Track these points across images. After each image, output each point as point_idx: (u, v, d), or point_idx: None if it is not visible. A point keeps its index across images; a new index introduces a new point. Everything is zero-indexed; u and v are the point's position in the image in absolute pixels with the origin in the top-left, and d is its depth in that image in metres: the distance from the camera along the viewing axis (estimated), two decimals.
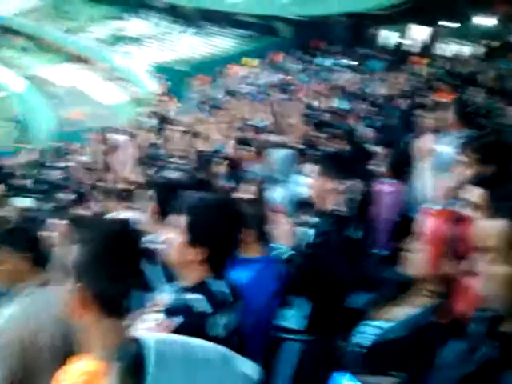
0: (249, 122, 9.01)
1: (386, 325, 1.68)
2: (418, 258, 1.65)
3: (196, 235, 1.72)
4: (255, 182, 3.64)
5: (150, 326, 1.55)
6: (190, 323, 1.58)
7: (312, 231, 2.69)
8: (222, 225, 1.74)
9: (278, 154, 4.35)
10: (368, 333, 1.70)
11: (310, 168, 2.75)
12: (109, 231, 1.27)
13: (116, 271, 1.23)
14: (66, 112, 22.07)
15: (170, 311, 1.61)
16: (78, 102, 23.11)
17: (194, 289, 1.71)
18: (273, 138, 6.49)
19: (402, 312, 1.67)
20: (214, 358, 0.98)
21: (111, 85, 25.20)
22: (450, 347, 1.44)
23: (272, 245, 2.58)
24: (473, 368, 1.10)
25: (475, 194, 2.02)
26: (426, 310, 1.60)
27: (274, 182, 4.05)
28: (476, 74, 10.03)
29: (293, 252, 2.65)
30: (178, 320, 1.56)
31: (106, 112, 22.01)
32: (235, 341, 1.76)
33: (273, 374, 2.47)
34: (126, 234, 1.31)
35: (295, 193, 4.09)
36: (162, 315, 1.60)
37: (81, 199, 6.38)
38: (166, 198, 3.02)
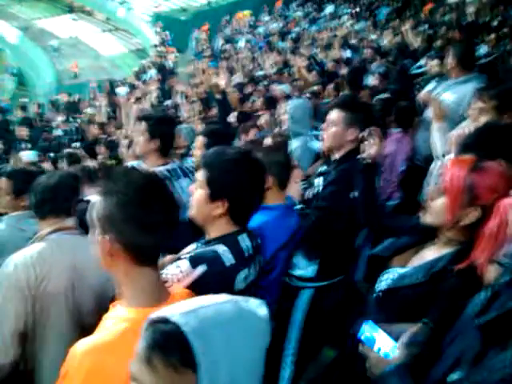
0: (257, 73, 8.87)
1: (402, 270, 1.71)
2: (437, 207, 1.64)
3: (215, 189, 1.72)
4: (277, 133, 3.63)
5: (173, 273, 1.57)
6: (214, 273, 1.61)
7: (321, 180, 2.70)
8: (240, 177, 1.74)
9: (295, 104, 4.16)
10: (386, 278, 1.74)
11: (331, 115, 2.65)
12: (141, 182, 1.26)
13: (149, 222, 1.24)
14: (65, 64, 21.69)
15: (194, 259, 1.63)
16: (78, 54, 22.67)
17: (217, 240, 1.73)
18: (280, 87, 6.39)
19: (421, 259, 1.69)
20: (237, 311, 0.98)
21: (110, 36, 24.66)
22: (471, 295, 1.49)
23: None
24: (493, 315, 1.13)
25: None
26: (443, 257, 1.62)
27: (293, 134, 3.97)
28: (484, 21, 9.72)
29: (301, 205, 2.68)
30: (201, 268, 1.58)
31: (106, 64, 21.66)
32: (252, 292, 1.80)
33: (287, 321, 2.57)
34: (158, 184, 1.31)
35: (312, 146, 4.08)
36: (186, 262, 1.62)
37: (89, 152, 6.36)
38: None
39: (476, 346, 1.14)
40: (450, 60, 3.80)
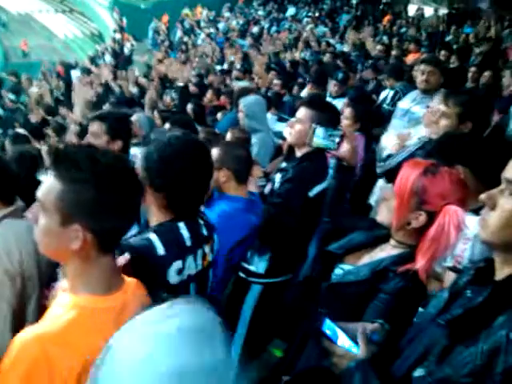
0: (217, 67, 8.83)
1: (349, 267, 1.71)
2: (387, 208, 1.64)
3: (151, 181, 1.64)
4: (236, 130, 3.59)
5: None
6: (141, 262, 1.52)
7: (279, 177, 2.69)
8: (178, 171, 1.64)
9: (249, 101, 4.13)
10: (336, 274, 1.74)
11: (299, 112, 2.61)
12: (110, 165, 1.18)
13: (121, 208, 1.18)
14: (14, 41, 20.79)
15: (122, 246, 1.52)
16: (28, 32, 21.76)
17: (151, 229, 1.66)
18: (241, 84, 6.40)
19: (370, 258, 1.69)
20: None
21: (65, 17, 23.83)
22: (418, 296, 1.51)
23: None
24: (459, 312, 1.13)
25: None
26: (387, 258, 1.61)
27: (250, 130, 3.91)
28: (442, 36, 10.08)
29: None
30: (124, 257, 1.48)
31: (59, 46, 20.93)
32: (191, 286, 1.72)
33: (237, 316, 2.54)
34: (126, 166, 1.23)
35: (271, 141, 4.06)
36: None
37: (34, 134, 6.09)
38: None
39: (442, 342, 1.14)
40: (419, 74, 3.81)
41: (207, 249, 1.78)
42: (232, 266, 2.47)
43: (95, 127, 2.74)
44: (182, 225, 1.68)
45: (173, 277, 1.63)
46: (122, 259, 1.46)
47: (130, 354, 0.78)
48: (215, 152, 2.44)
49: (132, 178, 1.23)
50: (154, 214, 1.70)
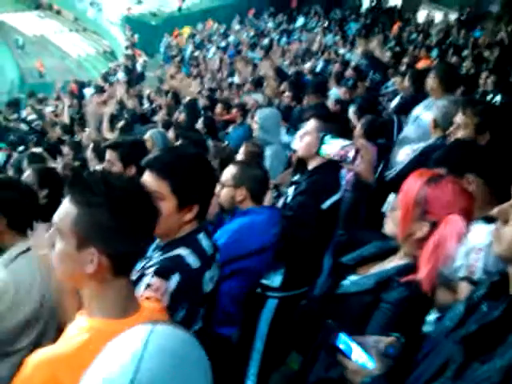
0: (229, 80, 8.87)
1: (356, 278, 1.70)
2: (394, 218, 1.62)
3: (184, 197, 1.68)
4: (250, 144, 3.61)
5: (144, 292, 1.48)
6: (185, 279, 1.55)
7: (292, 190, 2.70)
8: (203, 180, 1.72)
9: (265, 113, 4.13)
10: (343, 285, 1.73)
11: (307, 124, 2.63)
12: (125, 189, 1.20)
13: (135, 231, 1.20)
14: (30, 63, 21.16)
15: (161, 271, 1.54)
16: (43, 52, 22.15)
17: (177, 243, 1.67)
18: (254, 96, 6.43)
19: (378, 269, 1.67)
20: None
21: (78, 36, 24.20)
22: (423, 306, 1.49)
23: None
24: (474, 328, 1.13)
25: None
26: (392, 269, 1.60)
27: (263, 143, 3.95)
28: (452, 41, 10.03)
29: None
30: (175, 278, 1.52)
31: (72, 65, 21.24)
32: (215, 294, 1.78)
33: (252, 331, 2.54)
34: (140, 190, 1.25)
35: (283, 153, 4.08)
36: (155, 278, 1.53)
37: (50, 153, 6.18)
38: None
39: (458, 359, 1.13)
40: (431, 80, 3.73)
41: (218, 255, 1.84)
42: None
43: (108, 156, 2.84)
44: (201, 235, 1.71)
45: (207, 285, 1.68)
46: (173, 283, 1.50)
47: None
48: (232, 170, 2.49)
49: (146, 202, 1.24)
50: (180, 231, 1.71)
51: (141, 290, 1.49)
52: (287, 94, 6.51)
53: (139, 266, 1.63)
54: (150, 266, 1.60)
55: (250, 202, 2.47)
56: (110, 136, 5.64)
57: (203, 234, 1.73)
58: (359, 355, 1.31)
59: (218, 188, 2.58)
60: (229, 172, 2.52)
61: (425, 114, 3.71)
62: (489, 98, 4.96)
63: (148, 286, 1.51)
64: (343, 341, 1.32)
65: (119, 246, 1.18)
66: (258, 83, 7.80)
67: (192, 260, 1.61)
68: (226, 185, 2.49)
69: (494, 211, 1.14)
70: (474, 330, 1.13)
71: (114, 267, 1.20)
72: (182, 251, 1.62)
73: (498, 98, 4.17)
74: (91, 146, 4.61)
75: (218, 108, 6.82)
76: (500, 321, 1.09)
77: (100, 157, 3.70)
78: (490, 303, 1.16)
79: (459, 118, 2.48)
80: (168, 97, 8.22)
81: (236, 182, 2.45)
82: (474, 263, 1.66)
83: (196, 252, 1.64)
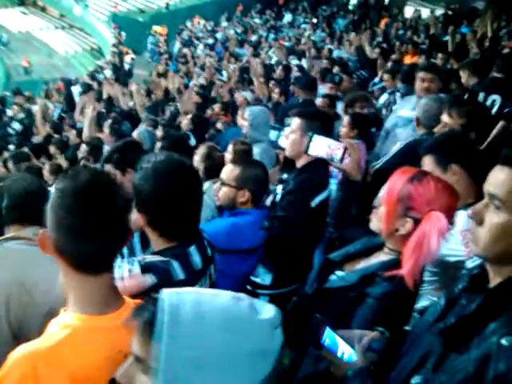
0: (218, 77, 8.85)
1: (341, 273, 1.72)
2: (377, 216, 1.64)
3: (139, 203, 1.64)
4: (238, 142, 3.59)
5: (121, 275, 1.47)
6: (160, 286, 1.53)
7: (280, 188, 2.71)
8: (164, 194, 1.62)
9: (255, 111, 4.08)
10: (329, 280, 1.75)
11: (291, 122, 2.61)
12: (81, 186, 1.16)
13: (84, 229, 1.15)
14: (15, 60, 20.95)
15: (144, 265, 1.54)
16: (29, 49, 21.92)
17: (167, 252, 1.64)
18: (244, 94, 6.43)
19: (364, 265, 1.69)
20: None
21: (64, 34, 23.98)
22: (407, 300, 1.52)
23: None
24: (452, 321, 1.15)
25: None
26: (376, 264, 1.62)
27: (252, 140, 3.88)
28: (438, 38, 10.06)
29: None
30: (150, 279, 1.51)
31: (59, 62, 21.06)
32: None
33: None
34: (104, 188, 1.20)
35: (272, 151, 4.07)
36: (136, 267, 1.53)
37: (37, 152, 6.14)
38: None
39: (438, 351, 1.16)
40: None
41: (212, 269, 1.80)
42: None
43: (107, 168, 2.77)
44: (192, 248, 1.67)
45: None
46: (147, 281, 1.49)
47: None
48: (235, 171, 2.46)
49: (106, 202, 1.18)
50: (155, 242, 1.68)
51: (122, 269, 1.50)
52: (276, 90, 6.54)
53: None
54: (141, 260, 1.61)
55: (250, 203, 2.46)
56: (100, 135, 5.59)
57: (194, 247, 1.68)
58: (345, 349, 1.33)
59: (217, 184, 2.60)
60: (231, 172, 2.48)
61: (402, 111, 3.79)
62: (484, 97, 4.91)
63: (129, 269, 1.52)
64: (329, 335, 1.34)
65: (64, 244, 1.18)
66: (245, 80, 7.80)
67: (176, 272, 1.59)
68: (228, 185, 2.47)
69: (469, 212, 1.17)
70: (452, 323, 1.15)
71: (70, 264, 1.19)
72: (171, 261, 1.60)
73: (498, 97, 4.15)
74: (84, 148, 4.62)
75: (217, 108, 6.74)
76: (477, 313, 1.11)
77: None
78: (468, 296, 1.18)
79: (445, 118, 2.50)
80: (157, 95, 8.18)
81: (239, 184, 2.42)
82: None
83: (183, 266, 1.61)
